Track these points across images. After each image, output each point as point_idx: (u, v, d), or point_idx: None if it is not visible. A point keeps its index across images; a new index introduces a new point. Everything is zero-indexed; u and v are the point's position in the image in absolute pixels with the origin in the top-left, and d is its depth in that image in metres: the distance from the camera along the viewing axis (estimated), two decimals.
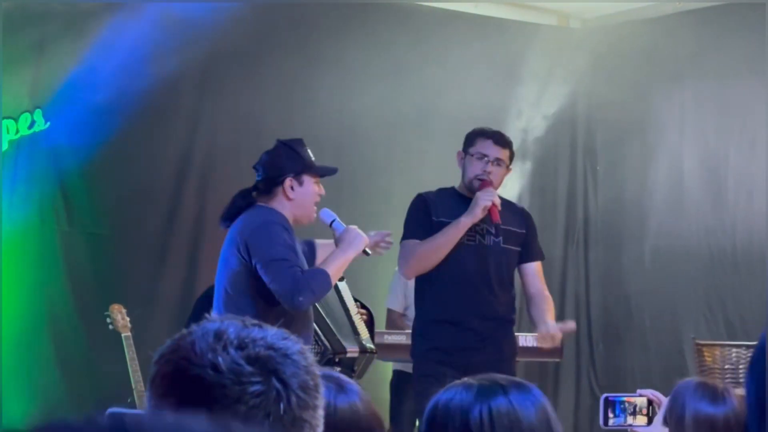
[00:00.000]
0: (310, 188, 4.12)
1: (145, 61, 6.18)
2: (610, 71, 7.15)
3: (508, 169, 4.64)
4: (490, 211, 4.40)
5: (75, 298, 5.98)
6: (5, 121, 6.01)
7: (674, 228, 6.98)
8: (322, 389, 1.18)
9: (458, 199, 4.59)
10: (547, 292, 4.72)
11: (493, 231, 4.51)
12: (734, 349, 5.61)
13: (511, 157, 4.64)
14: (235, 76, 6.57)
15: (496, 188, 4.56)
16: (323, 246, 4.53)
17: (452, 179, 4.80)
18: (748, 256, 6.58)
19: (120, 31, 6.27)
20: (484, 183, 4.47)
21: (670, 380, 3.11)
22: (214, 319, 1.21)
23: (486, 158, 4.51)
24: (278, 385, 1.13)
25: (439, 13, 7.16)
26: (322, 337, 4.85)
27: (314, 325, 4.83)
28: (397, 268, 5.16)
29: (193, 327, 1.19)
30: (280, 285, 3.92)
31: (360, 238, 4.11)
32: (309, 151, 4.20)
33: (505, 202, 4.68)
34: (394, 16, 6.93)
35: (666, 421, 2.73)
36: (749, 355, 5.51)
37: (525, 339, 5.30)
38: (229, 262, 4.08)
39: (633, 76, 7.13)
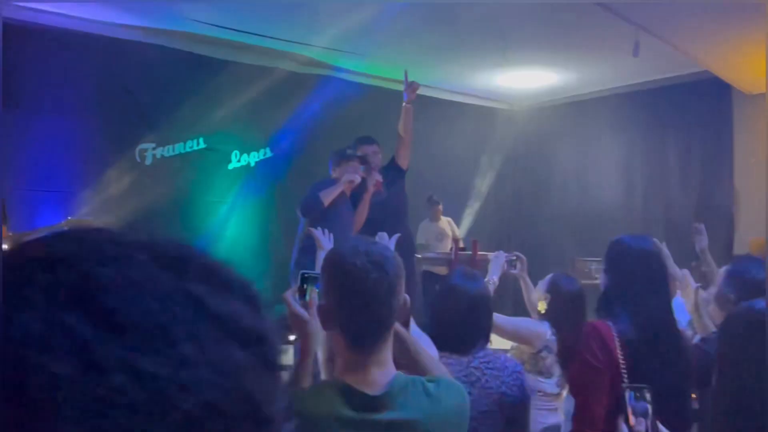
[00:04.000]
0: (342, 172, 6.17)
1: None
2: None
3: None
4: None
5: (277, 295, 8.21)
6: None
7: None
8: (402, 272, 2.12)
9: None
10: None
11: None
12: None
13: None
14: None
15: None
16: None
17: None
18: None
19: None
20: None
21: None
22: (355, 237, 2.75)
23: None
24: (384, 275, 2.05)
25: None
26: None
27: None
28: None
29: (343, 242, 2.19)
30: None
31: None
32: (353, 150, 6.36)
33: None
34: None
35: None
36: None
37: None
38: None
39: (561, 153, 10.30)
